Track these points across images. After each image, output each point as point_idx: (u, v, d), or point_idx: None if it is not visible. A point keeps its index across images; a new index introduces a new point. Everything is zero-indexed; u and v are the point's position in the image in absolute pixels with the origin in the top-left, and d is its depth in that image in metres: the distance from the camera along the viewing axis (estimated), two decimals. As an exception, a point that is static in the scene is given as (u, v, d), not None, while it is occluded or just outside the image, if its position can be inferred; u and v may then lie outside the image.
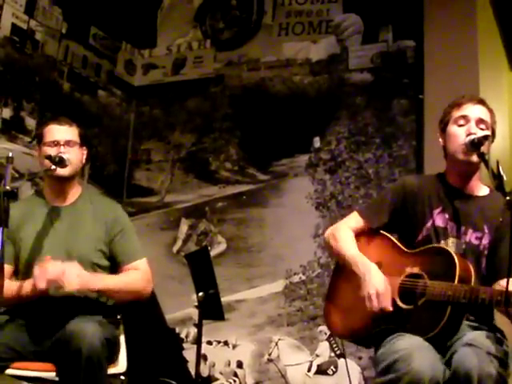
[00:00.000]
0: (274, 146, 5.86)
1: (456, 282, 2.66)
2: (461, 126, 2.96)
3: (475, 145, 2.82)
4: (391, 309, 2.79)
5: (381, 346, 2.69)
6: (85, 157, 3.49)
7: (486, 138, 2.83)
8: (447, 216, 2.95)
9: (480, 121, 2.96)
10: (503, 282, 2.64)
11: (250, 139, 6.01)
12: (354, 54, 5.78)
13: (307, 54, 5.97)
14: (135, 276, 3.33)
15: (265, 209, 5.84)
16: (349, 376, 4.88)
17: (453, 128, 2.99)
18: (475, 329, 2.75)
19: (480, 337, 2.65)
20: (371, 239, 3.08)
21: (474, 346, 2.55)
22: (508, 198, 2.50)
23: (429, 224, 2.96)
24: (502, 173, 2.58)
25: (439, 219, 2.95)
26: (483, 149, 2.81)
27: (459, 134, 2.94)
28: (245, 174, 6.01)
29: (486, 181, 3.00)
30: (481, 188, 3.05)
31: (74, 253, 3.27)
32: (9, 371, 3.05)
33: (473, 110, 2.98)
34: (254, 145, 5.98)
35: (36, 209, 3.37)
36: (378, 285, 2.82)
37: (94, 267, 3.29)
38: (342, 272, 3.09)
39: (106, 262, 3.37)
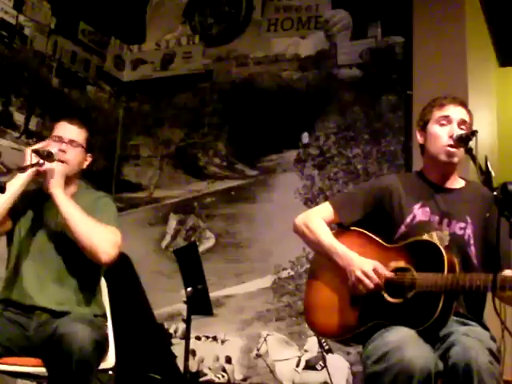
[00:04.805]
0: (263, 141, 5.86)
1: (445, 272, 2.67)
2: (443, 125, 2.97)
3: (463, 140, 2.83)
4: (389, 275, 2.79)
5: (369, 342, 2.67)
6: (87, 163, 3.50)
7: (473, 133, 2.83)
8: (429, 210, 2.95)
9: (462, 122, 2.97)
10: (507, 272, 2.68)
11: (238, 135, 6.01)
12: (342, 49, 5.78)
13: (296, 50, 5.97)
14: (105, 229, 3.26)
15: (253, 204, 5.84)
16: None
17: (434, 128, 3.00)
18: (465, 325, 2.75)
19: (475, 330, 2.67)
20: (346, 235, 3.04)
21: (471, 338, 2.56)
22: (495, 193, 2.51)
23: (408, 219, 2.94)
24: (490, 169, 2.59)
25: (421, 214, 2.95)
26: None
27: (441, 135, 2.96)
28: (233, 169, 6.01)
29: (473, 176, 3.01)
30: (458, 181, 3.06)
31: (65, 242, 3.28)
32: (-3, 366, 3.06)
33: (455, 112, 2.99)
34: (243, 140, 5.98)
35: (36, 197, 3.38)
36: (362, 265, 2.82)
37: (82, 256, 3.27)
38: (320, 271, 3.07)
39: None
